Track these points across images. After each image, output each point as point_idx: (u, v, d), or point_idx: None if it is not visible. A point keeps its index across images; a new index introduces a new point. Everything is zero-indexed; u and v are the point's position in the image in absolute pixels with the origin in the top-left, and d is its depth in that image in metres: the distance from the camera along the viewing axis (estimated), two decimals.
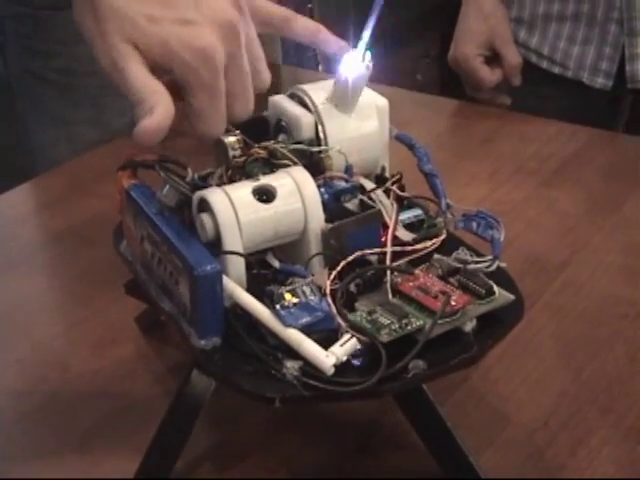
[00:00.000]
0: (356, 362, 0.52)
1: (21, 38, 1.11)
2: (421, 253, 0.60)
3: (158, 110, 0.53)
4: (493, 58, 1.26)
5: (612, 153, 1.05)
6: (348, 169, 0.62)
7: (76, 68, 1.06)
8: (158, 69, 0.55)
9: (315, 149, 0.62)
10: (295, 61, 2.60)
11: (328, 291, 0.55)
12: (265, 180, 0.58)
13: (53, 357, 0.73)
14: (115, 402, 0.68)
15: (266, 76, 0.61)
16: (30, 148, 1.21)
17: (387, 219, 0.60)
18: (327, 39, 0.65)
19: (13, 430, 0.66)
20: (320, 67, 2.65)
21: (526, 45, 1.28)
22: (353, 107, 0.64)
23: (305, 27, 0.65)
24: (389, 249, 0.58)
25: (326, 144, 0.62)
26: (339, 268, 0.56)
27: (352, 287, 0.57)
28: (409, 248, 0.60)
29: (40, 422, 0.67)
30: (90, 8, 0.56)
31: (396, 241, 0.60)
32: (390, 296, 0.56)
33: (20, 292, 0.82)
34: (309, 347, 0.51)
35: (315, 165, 0.61)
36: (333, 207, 0.59)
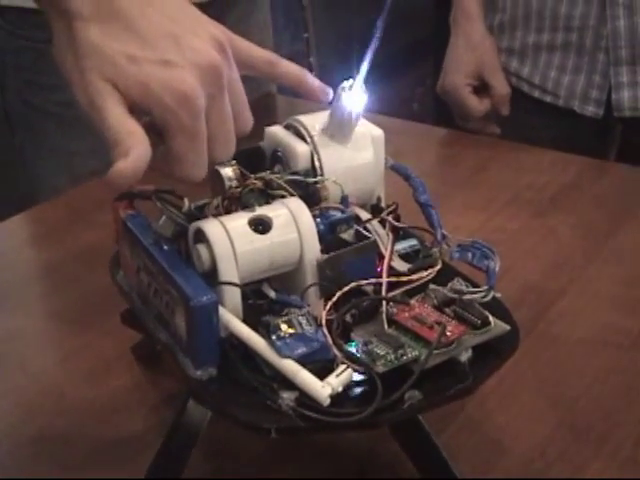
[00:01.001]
0: (353, 392, 0.52)
1: (21, 71, 1.11)
2: (417, 283, 0.60)
3: (134, 152, 0.52)
4: (482, 88, 1.28)
5: (606, 182, 1.06)
6: (344, 199, 0.63)
7: (77, 101, 1.07)
8: (137, 110, 0.54)
9: (311, 180, 0.62)
10: (291, 91, 2.62)
11: (324, 321, 0.55)
12: (261, 211, 0.58)
13: (48, 386, 0.73)
14: (110, 432, 0.67)
15: (248, 119, 0.60)
16: (29, 178, 1.21)
17: (383, 249, 0.61)
18: (311, 84, 0.64)
19: (8, 460, 0.66)
20: None
21: (518, 75, 1.29)
22: (349, 138, 0.64)
23: (288, 71, 0.63)
24: (385, 279, 0.59)
25: (322, 175, 0.63)
26: (335, 298, 0.56)
27: (348, 317, 0.57)
28: (405, 278, 0.60)
29: (35, 452, 0.66)
30: (70, 45, 0.55)
31: (392, 271, 0.60)
32: (386, 326, 0.56)
33: (16, 321, 0.82)
34: (305, 378, 0.51)
35: (311, 196, 0.61)
36: (329, 237, 0.59)
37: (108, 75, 0.53)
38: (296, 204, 0.59)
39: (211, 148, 0.56)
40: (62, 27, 0.56)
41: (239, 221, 0.57)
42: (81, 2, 0.55)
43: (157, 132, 0.55)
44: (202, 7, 1.13)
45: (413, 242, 0.64)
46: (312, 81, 0.63)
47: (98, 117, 0.53)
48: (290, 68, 0.63)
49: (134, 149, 0.52)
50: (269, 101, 1.31)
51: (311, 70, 2.72)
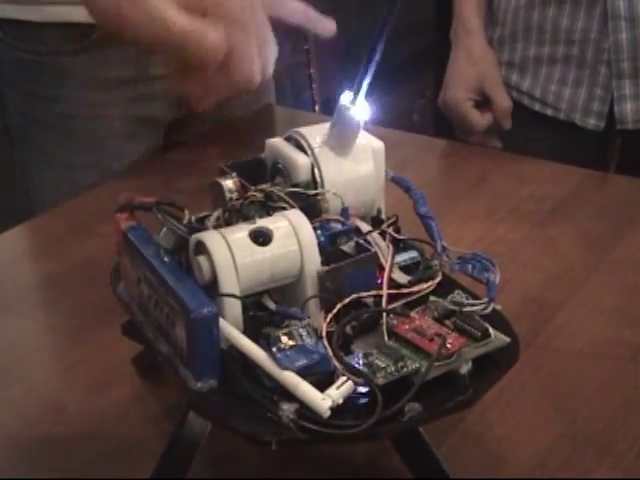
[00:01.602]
0: (353, 404, 0.52)
1: (22, 83, 1.11)
2: (417, 295, 0.60)
3: (210, 32, 0.57)
4: (483, 102, 1.28)
5: (606, 193, 1.06)
6: (344, 211, 0.63)
7: (78, 113, 1.07)
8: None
9: (311, 192, 0.62)
10: (292, 102, 2.62)
11: (324, 333, 0.55)
12: (262, 223, 0.58)
13: (49, 398, 0.73)
14: (111, 444, 0.67)
15: (274, 47, 0.65)
16: (28, 191, 1.21)
17: (383, 261, 0.61)
18: (316, 18, 0.69)
19: (8, 471, 0.66)
20: (317, 108, 2.67)
21: (518, 88, 1.30)
22: (349, 150, 0.64)
23: (294, 7, 0.69)
24: (385, 291, 0.59)
25: (322, 187, 0.63)
26: (335, 310, 0.56)
27: (348, 329, 0.57)
28: (405, 290, 0.60)
29: (35, 463, 0.66)
30: None
31: (392, 283, 0.60)
32: (386, 338, 0.56)
33: (16, 332, 0.82)
34: (305, 390, 0.51)
35: (311, 208, 0.61)
36: (329, 250, 0.59)
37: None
38: (297, 216, 0.59)
39: (260, 53, 0.60)
40: None
41: (240, 233, 0.57)
42: None
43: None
44: None
45: (413, 254, 0.64)
46: (316, 16, 0.71)
47: (161, 24, 0.58)
48: (296, 5, 0.70)
49: (209, 30, 0.57)
50: (269, 113, 1.31)
51: (311, 82, 2.72)
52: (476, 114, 1.27)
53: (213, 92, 0.58)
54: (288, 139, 0.66)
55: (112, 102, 1.11)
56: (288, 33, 2.68)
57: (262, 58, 0.61)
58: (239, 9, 0.58)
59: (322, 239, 0.59)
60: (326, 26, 0.66)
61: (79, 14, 1.05)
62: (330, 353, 0.54)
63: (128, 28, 0.59)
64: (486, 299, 0.59)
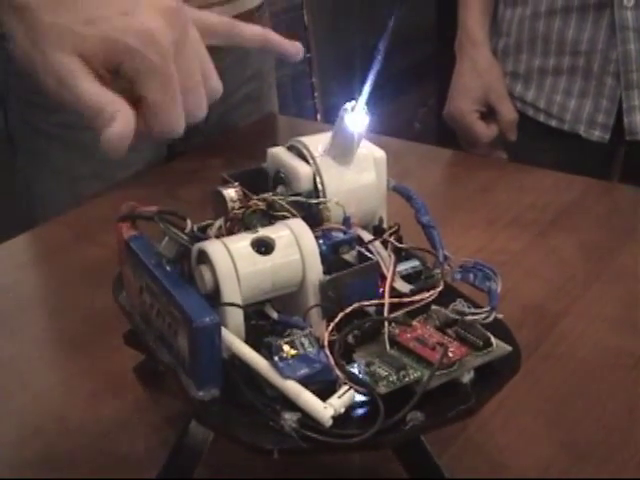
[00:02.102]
0: (355, 413, 0.52)
1: (25, 93, 1.12)
2: (419, 304, 0.60)
3: (119, 117, 0.52)
4: (488, 114, 1.28)
5: (608, 203, 1.06)
6: (346, 220, 0.63)
7: (80, 123, 1.07)
8: (107, 76, 0.53)
9: (313, 201, 0.62)
10: (294, 111, 2.62)
11: (326, 342, 0.55)
12: (264, 232, 0.58)
13: (51, 407, 0.73)
14: (113, 452, 0.67)
15: (216, 83, 0.59)
16: (31, 199, 1.21)
17: (385, 270, 0.61)
18: (278, 41, 0.62)
19: None
20: (319, 117, 2.67)
21: (522, 99, 1.30)
22: (351, 159, 0.65)
23: (252, 33, 0.63)
24: (387, 300, 0.59)
25: (324, 196, 0.63)
26: (337, 319, 0.56)
27: (350, 338, 0.57)
28: (407, 299, 0.60)
29: (37, 472, 0.66)
30: (26, 34, 0.55)
31: (394, 292, 0.60)
32: (388, 347, 0.57)
33: (19, 341, 0.82)
34: (307, 399, 0.51)
35: (313, 217, 0.61)
36: (331, 259, 0.59)
37: (69, 46, 0.52)
38: (298, 225, 0.59)
39: (183, 100, 0.55)
40: (16, 21, 0.55)
41: (242, 242, 0.57)
42: None
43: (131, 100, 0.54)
44: None
45: (415, 263, 0.64)
46: (279, 38, 0.62)
47: (71, 95, 0.53)
48: (253, 29, 0.63)
49: (118, 114, 0.52)
50: (271, 122, 1.31)
51: (313, 91, 2.73)
52: (481, 126, 1.27)
53: (136, 137, 0.55)
54: (290, 148, 0.66)
55: None
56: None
57: (190, 104, 0.56)
58: (158, 58, 0.53)
59: (324, 248, 0.59)
60: (290, 49, 0.62)
61: None
62: (332, 362, 0.54)
63: (42, 90, 0.56)
64: (488, 308, 0.59)
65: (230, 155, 1.15)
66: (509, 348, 0.57)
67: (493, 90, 1.27)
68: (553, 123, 1.28)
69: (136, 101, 0.54)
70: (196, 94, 0.56)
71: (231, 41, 0.62)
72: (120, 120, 0.52)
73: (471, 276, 0.61)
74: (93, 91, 0.52)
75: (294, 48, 0.62)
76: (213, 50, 1.15)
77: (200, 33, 0.58)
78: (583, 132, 1.25)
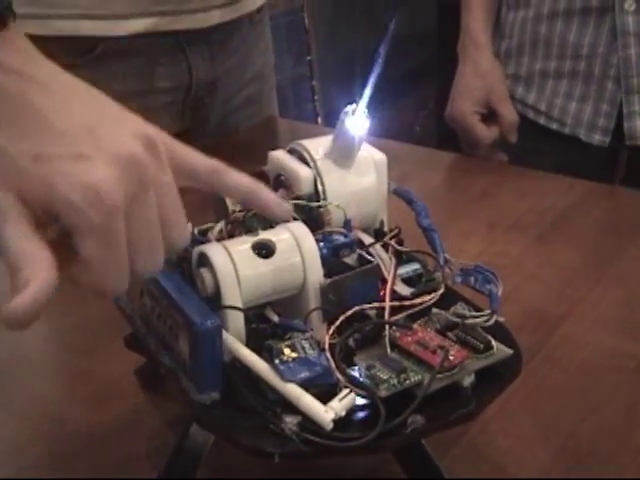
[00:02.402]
0: (356, 417, 0.52)
1: None
2: (419, 307, 0.60)
3: (33, 284, 0.44)
4: (490, 115, 1.28)
5: (609, 206, 1.06)
6: (347, 224, 0.63)
7: None
8: (45, 220, 0.46)
9: (314, 204, 0.62)
10: (294, 114, 2.62)
11: (327, 346, 0.55)
12: (264, 235, 0.58)
13: (51, 410, 0.73)
14: (113, 456, 0.67)
15: (182, 231, 0.51)
16: None
17: (385, 273, 0.61)
18: (265, 198, 0.54)
19: None
20: (319, 120, 2.67)
21: (523, 101, 1.30)
22: (352, 162, 0.65)
23: (238, 183, 0.54)
24: (387, 304, 0.59)
25: (325, 199, 0.63)
26: (338, 323, 0.57)
27: (351, 342, 0.57)
28: (407, 302, 0.60)
29: (38, 476, 0.66)
30: None
31: (394, 295, 0.60)
32: (389, 350, 0.57)
33: (19, 344, 0.82)
34: (308, 402, 0.51)
35: (314, 220, 0.61)
36: (332, 262, 0.59)
37: (9, 182, 0.46)
38: (299, 228, 0.59)
39: (130, 258, 0.48)
40: None
41: (242, 245, 0.57)
42: None
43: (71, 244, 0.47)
44: (204, 32, 1.14)
45: (416, 266, 0.64)
46: (267, 195, 0.55)
47: (5, 251, 0.45)
48: (240, 180, 0.54)
49: (34, 279, 0.44)
50: (271, 125, 1.31)
51: (314, 94, 2.73)
52: (482, 127, 1.27)
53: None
54: (291, 151, 0.66)
55: None
56: (290, 45, 2.68)
57: (140, 261, 0.48)
58: (100, 218, 0.45)
59: (325, 251, 0.59)
60: (277, 211, 0.54)
61: (83, 27, 1.05)
62: (333, 365, 0.54)
63: None
64: (489, 311, 0.59)
65: (231, 158, 1.15)
66: (510, 351, 0.57)
67: (494, 92, 1.27)
68: (554, 126, 1.28)
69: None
70: (148, 252, 0.49)
71: (212, 188, 0.54)
72: (32, 290, 0.44)
73: (472, 279, 0.61)
74: (19, 239, 0.45)
75: (282, 211, 0.54)
76: (219, 52, 1.16)
77: (179, 173, 0.51)
78: (583, 136, 1.25)
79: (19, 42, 0.52)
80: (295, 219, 0.60)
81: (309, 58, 2.77)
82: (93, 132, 0.48)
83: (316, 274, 0.58)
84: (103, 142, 0.47)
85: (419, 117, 3.42)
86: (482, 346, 0.57)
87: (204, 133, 1.22)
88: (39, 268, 0.45)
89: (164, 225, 0.49)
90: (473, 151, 1.30)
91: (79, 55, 1.07)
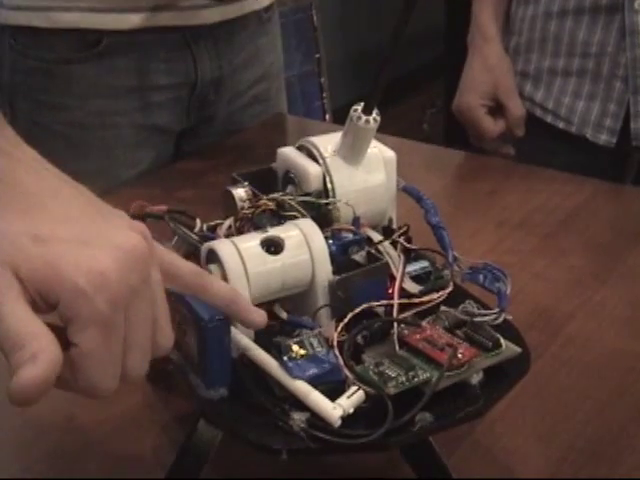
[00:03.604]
0: (364, 414, 0.52)
1: (33, 92, 1.12)
2: (428, 305, 0.60)
3: (42, 357, 0.41)
4: (497, 109, 1.28)
5: (618, 205, 1.06)
6: (355, 221, 0.63)
7: (89, 121, 1.08)
8: (41, 305, 0.44)
9: (323, 201, 0.62)
10: (302, 111, 2.62)
11: (335, 343, 0.55)
12: (273, 232, 0.58)
13: (59, 406, 0.72)
14: (121, 452, 0.67)
15: (168, 334, 0.49)
16: None
17: (394, 271, 0.61)
18: (246, 307, 0.53)
19: (19, 477, 0.66)
20: (327, 117, 2.67)
21: (531, 99, 1.29)
22: (361, 159, 0.65)
23: (218, 291, 0.52)
24: (396, 301, 0.59)
25: (334, 196, 0.63)
26: (346, 320, 0.57)
27: (359, 339, 0.57)
28: (416, 300, 0.60)
29: (45, 471, 0.66)
30: None
31: (403, 293, 0.60)
32: (397, 348, 0.56)
33: None
34: (316, 399, 0.51)
35: (323, 217, 0.61)
36: (341, 259, 0.59)
37: (8, 259, 0.43)
38: (308, 225, 0.59)
39: (124, 358, 0.46)
40: None
41: (251, 242, 0.57)
42: None
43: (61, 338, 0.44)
44: (210, 29, 1.14)
45: (424, 264, 0.64)
46: (245, 304, 0.53)
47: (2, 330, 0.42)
48: (220, 288, 0.53)
49: (42, 353, 0.41)
50: (280, 121, 1.31)
51: (322, 91, 2.73)
52: (489, 121, 1.27)
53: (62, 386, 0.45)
54: (300, 148, 0.66)
55: (121, 110, 1.11)
56: (299, 42, 2.68)
57: (130, 361, 0.46)
58: (106, 306, 0.43)
59: (333, 248, 0.59)
60: (255, 318, 0.52)
61: (87, 21, 1.06)
62: (341, 362, 0.54)
63: None
64: (497, 309, 0.59)
65: (239, 155, 1.15)
66: (518, 350, 0.57)
67: (502, 86, 1.27)
68: (561, 125, 1.27)
69: (66, 343, 0.44)
70: (140, 351, 0.47)
71: (195, 293, 0.52)
72: (42, 363, 0.41)
73: (480, 277, 0.61)
74: (19, 317, 0.42)
75: (259, 317, 0.53)
76: (225, 50, 1.15)
77: (164, 276, 0.49)
78: (590, 135, 1.25)
79: (5, 128, 0.51)
80: (304, 216, 0.60)
81: (317, 55, 2.77)
82: (95, 222, 0.47)
83: (325, 271, 0.58)
84: (106, 232, 0.46)
85: (427, 115, 3.42)
86: (490, 344, 0.56)
87: (210, 131, 1.22)
88: (46, 343, 0.42)
89: (154, 323, 0.48)
90: (480, 144, 1.29)
91: (84, 49, 1.07)
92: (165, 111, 1.15)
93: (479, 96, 1.27)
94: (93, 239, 0.45)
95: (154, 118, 1.14)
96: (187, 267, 0.51)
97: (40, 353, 0.41)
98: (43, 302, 0.44)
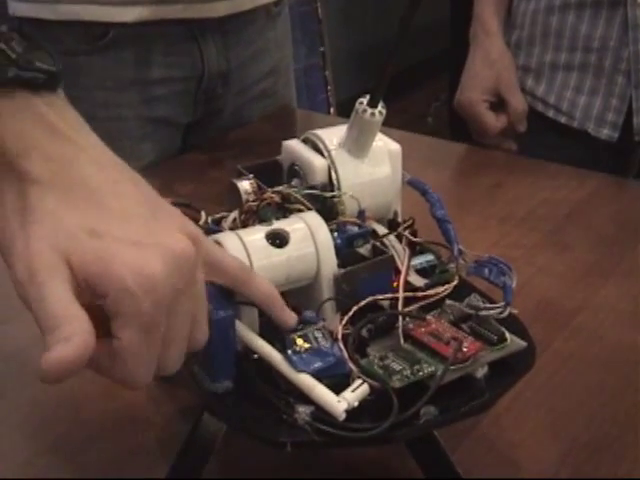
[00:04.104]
0: (368, 407, 0.52)
1: None
2: (433, 299, 0.60)
3: (75, 340, 0.43)
4: (499, 104, 1.27)
5: (622, 198, 1.06)
6: (361, 214, 0.63)
7: (96, 113, 1.07)
8: (84, 292, 0.45)
9: (328, 194, 0.62)
10: (307, 104, 2.62)
11: (340, 336, 0.55)
12: (278, 225, 0.58)
13: (65, 397, 0.73)
14: (125, 444, 0.67)
15: (204, 333, 0.51)
16: None
17: (399, 264, 0.61)
18: (282, 307, 0.55)
19: (23, 470, 0.66)
20: (332, 110, 2.67)
21: (533, 93, 1.29)
22: (366, 152, 0.64)
23: (258, 288, 0.54)
24: (401, 294, 0.59)
25: (339, 189, 0.63)
26: (351, 313, 0.56)
27: (364, 332, 0.57)
28: (421, 294, 0.60)
29: (51, 462, 0.66)
30: (19, 210, 0.47)
31: (408, 286, 0.60)
32: (402, 342, 0.56)
33: (32, 330, 0.82)
34: (321, 392, 0.51)
35: (328, 210, 0.61)
36: (346, 252, 0.59)
37: (62, 246, 0.45)
38: (313, 218, 0.59)
39: (162, 351, 0.47)
40: (14, 190, 0.47)
41: (256, 235, 0.57)
42: (40, 166, 0.47)
43: (100, 323, 0.45)
44: (218, 23, 1.14)
45: (430, 257, 0.64)
46: (281, 303, 0.55)
47: (35, 294, 0.44)
48: (260, 285, 0.54)
49: (76, 336, 0.43)
50: (287, 114, 1.31)
51: (327, 84, 2.72)
52: (491, 116, 1.27)
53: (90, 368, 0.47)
54: (305, 141, 0.66)
55: (126, 103, 1.11)
56: (304, 35, 2.68)
57: (167, 357, 0.48)
58: (150, 308, 0.45)
59: (339, 241, 0.59)
60: (285, 319, 0.55)
61: (92, 13, 1.05)
62: (346, 356, 0.54)
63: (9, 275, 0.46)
64: (502, 303, 0.58)
65: (244, 148, 1.15)
66: (524, 344, 0.57)
67: (504, 80, 1.26)
68: (562, 120, 1.27)
69: (108, 332, 0.46)
70: (177, 349, 0.48)
71: (235, 287, 0.54)
72: (74, 345, 0.43)
73: (486, 271, 0.61)
74: (60, 298, 0.44)
75: (291, 320, 0.55)
76: (233, 43, 1.15)
77: (209, 268, 0.51)
78: (592, 130, 1.25)
79: (68, 110, 0.51)
80: (309, 209, 0.60)
81: (322, 48, 2.77)
82: (148, 223, 0.47)
83: (330, 264, 0.58)
84: (157, 234, 0.47)
85: (432, 109, 3.42)
86: (496, 338, 0.56)
87: (217, 124, 1.22)
88: (82, 327, 0.44)
89: (193, 321, 0.49)
90: (482, 139, 1.29)
91: (91, 41, 1.07)
92: (171, 104, 1.15)
93: (481, 91, 1.27)
94: (147, 241, 0.46)
95: (160, 111, 1.14)
96: (233, 263, 0.54)
97: (74, 336, 0.43)
98: (89, 291, 0.45)
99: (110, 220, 0.47)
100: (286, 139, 0.67)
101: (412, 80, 3.33)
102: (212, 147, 1.19)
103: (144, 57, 1.10)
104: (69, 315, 0.44)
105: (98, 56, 1.08)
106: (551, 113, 1.28)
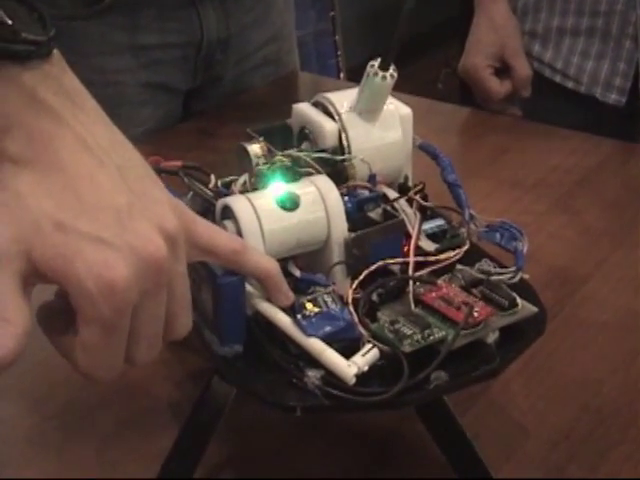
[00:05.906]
0: (379, 372, 0.52)
1: None
2: (444, 263, 0.59)
3: (4, 332, 0.43)
4: (503, 69, 1.26)
5: (634, 165, 1.05)
6: (371, 178, 0.62)
7: (93, 79, 1.06)
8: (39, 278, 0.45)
9: (339, 158, 0.62)
10: (316, 69, 2.61)
11: (350, 300, 0.55)
12: (289, 188, 0.57)
13: None
14: (135, 408, 0.68)
15: (185, 325, 0.50)
16: None
17: (410, 229, 0.60)
18: (277, 286, 0.54)
19: (32, 433, 0.66)
20: (342, 75, 2.66)
21: (540, 59, 1.28)
22: (377, 116, 0.64)
23: (257, 265, 0.53)
24: (412, 259, 0.58)
25: (350, 152, 0.62)
26: (361, 277, 0.56)
27: (374, 297, 0.56)
28: (432, 258, 0.59)
29: (59, 426, 0.67)
30: None
31: (419, 251, 0.60)
32: (412, 306, 0.56)
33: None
34: (330, 357, 0.51)
35: (338, 173, 0.61)
36: (356, 216, 0.59)
37: (24, 238, 0.43)
38: (324, 182, 0.58)
39: (130, 347, 0.47)
40: None
41: (266, 198, 0.57)
42: (20, 144, 0.45)
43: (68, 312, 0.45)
44: None
45: (440, 222, 0.63)
46: (280, 281, 0.54)
47: None
48: (260, 260, 0.53)
49: (9, 327, 0.43)
50: (293, 79, 1.30)
51: (337, 49, 2.71)
52: (495, 81, 1.26)
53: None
54: (315, 104, 0.65)
55: (124, 68, 1.10)
56: (313, 0, 2.66)
57: (136, 352, 0.47)
58: (109, 312, 0.43)
59: (349, 205, 0.59)
60: (281, 296, 0.54)
61: None
62: (356, 320, 0.54)
63: None
64: (514, 268, 0.58)
65: (248, 114, 1.14)
66: (535, 309, 0.57)
67: (508, 46, 1.25)
68: (570, 85, 1.26)
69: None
70: (147, 346, 0.47)
71: (228, 265, 0.52)
72: (3, 338, 0.43)
73: (497, 236, 0.60)
74: (2, 291, 0.43)
75: (286, 300, 0.54)
76: (232, 9, 1.14)
77: (200, 251, 0.50)
78: (599, 95, 1.24)
79: (64, 77, 0.49)
80: (320, 172, 0.60)
81: (332, 13, 2.75)
82: (121, 218, 0.45)
83: (340, 228, 0.57)
84: (128, 233, 0.45)
85: (442, 75, 3.39)
86: (507, 303, 0.56)
87: (218, 91, 1.20)
88: (15, 320, 0.43)
89: (169, 315, 0.48)
90: (486, 105, 1.28)
91: (87, 6, 1.06)
92: (170, 69, 1.14)
93: (485, 57, 1.25)
94: (114, 241, 0.44)
95: (158, 76, 1.13)
96: (224, 244, 0.51)
97: (7, 326, 0.43)
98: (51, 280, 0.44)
99: (80, 213, 0.44)
100: (292, 104, 0.66)
101: (423, 46, 3.31)
102: (216, 113, 1.18)
103: (141, 23, 1.09)
104: (6, 307, 0.43)
105: (95, 21, 1.07)
106: (558, 78, 1.27)
